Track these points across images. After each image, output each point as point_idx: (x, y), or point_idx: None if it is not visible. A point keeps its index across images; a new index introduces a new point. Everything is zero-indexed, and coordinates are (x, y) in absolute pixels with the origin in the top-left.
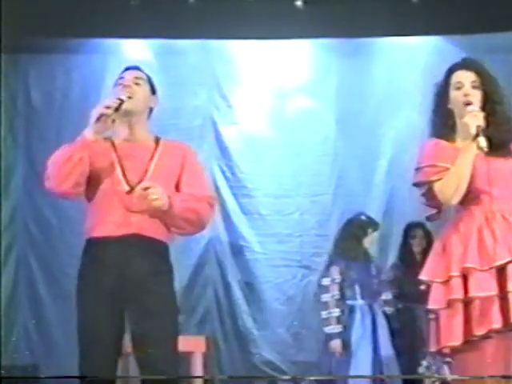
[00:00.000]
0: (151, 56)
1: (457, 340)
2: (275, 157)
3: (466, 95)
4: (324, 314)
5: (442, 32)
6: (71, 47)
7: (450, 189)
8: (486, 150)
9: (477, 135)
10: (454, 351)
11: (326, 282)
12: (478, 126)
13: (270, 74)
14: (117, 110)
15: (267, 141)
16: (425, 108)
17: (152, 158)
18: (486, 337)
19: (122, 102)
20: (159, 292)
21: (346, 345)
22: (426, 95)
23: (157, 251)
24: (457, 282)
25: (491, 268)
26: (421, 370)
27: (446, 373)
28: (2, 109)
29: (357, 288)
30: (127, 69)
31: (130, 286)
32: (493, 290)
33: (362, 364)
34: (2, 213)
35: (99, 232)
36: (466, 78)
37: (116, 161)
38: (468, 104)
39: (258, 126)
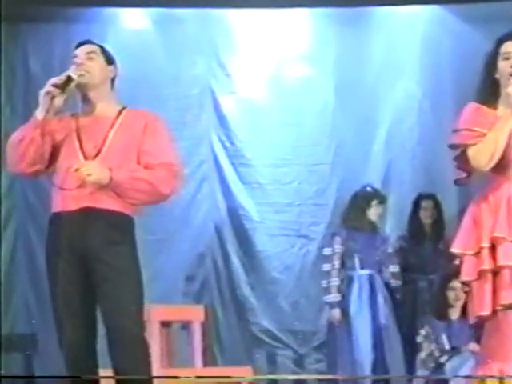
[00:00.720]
0: (150, 25)
1: (486, 310)
2: (273, 126)
3: None
4: (324, 283)
5: (440, 1)
6: (70, 16)
7: (484, 155)
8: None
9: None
10: (484, 321)
11: (327, 251)
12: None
13: (268, 43)
14: (64, 87)
15: (265, 110)
16: (423, 78)
17: (111, 128)
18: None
19: (69, 78)
20: (117, 263)
21: (345, 314)
22: (424, 64)
23: (113, 222)
24: (486, 253)
25: None
26: (419, 338)
27: (445, 342)
28: (2, 78)
29: (356, 258)
30: (79, 45)
31: (88, 258)
32: None
33: (360, 332)
34: (0, 182)
35: (58, 207)
36: None
37: (75, 135)
38: None
39: (257, 95)
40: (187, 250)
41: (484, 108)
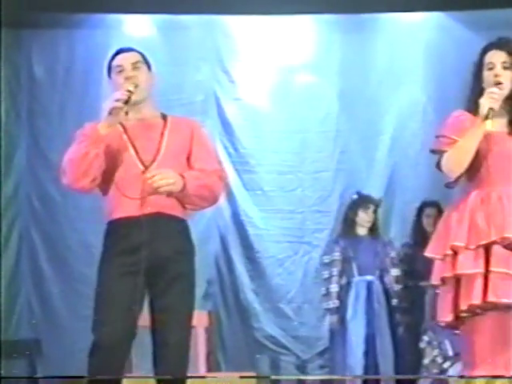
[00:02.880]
0: (154, 31)
1: (448, 316)
2: (277, 133)
3: (496, 75)
4: (323, 290)
5: (444, 8)
6: (74, 22)
7: (452, 162)
8: (490, 131)
9: (486, 117)
10: (457, 325)
11: (326, 259)
12: (490, 109)
13: (272, 50)
14: (127, 102)
15: (270, 116)
16: (427, 84)
17: (162, 135)
18: (471, 313)
19: (131, 93)
20: (182, 270)
21: (342, 320)
22: (428, 71)
23: (178, 229)
24: (449, 260)
25: (478, 247)
26: (422, 344)
27: (448, 348)
28: (2, 84)
29: (354, 265)
30: (120, 52)
31: (154, 264)
32: (478, 268)
33: (354, 338)
34: (5, 188)
35: (120, 213)
36: (497, 58)
37: (128, 143)
38: (498, 84)
39: (261, 101)
40: None
41: (466, 115)
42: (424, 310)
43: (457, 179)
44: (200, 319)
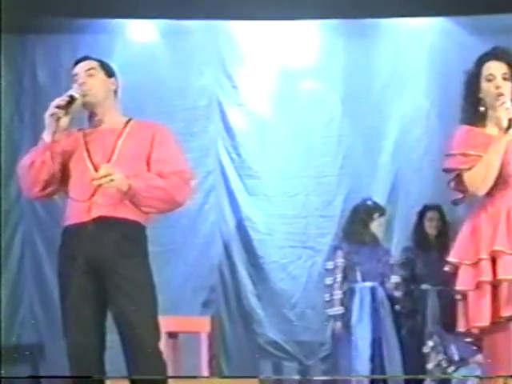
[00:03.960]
0: (157, 36)
1: (484, 321)
2: (281, 138)
3: (497, 87)
4: (327, 296)
5: (448, 13)
6: (78, 27)
7: (480, 180)
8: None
9: (508, 127)
10: (483, 332)
11: (329, 265)
12: (510, 120)
13: (275, 55)
14: (68, 107)
15: (273, 122)
16: (430, 89)
17: (118, 139)
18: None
19: (72, 98)
20: (131, 276)
21: (347, 326)
22: (432, 76)
23: (127, 233)
24: (486, 265)
25: None
26: (425, 349)
27: (454, 352)
28: (3, 88)
29: (358, 271)
30: (77, 61)
31: (102, 270)
32: None
33: (361, 343)
34: (8, 192)
35: (70, 220)
36: (497, 69)
37: (83, 148)
38: (500, 95)
39: (264, 106)
40: (194, 261)
41: (475, 129)
42: (426, 314)
43: (465, 196)
44: (203, 324)
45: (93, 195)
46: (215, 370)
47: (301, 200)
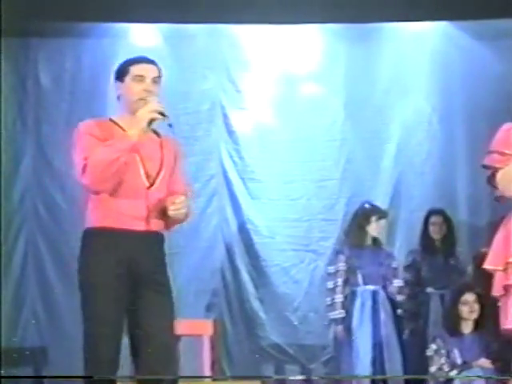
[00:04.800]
0: (160, 40)
1: (511, 323)
2: (283, 141)
3: None
4: (328, 300)
5: (450, 17)
6: (80, 31)
7: (508, 180)
8: None
9: None
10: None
11: (331, 269)
12: None
13: (278, 59)
14: (163, 115)
15: (275, 125)
16: (432, 93)
17: (162, 153)
18: None
19: (163, 115)
20: (164, 281)
21: (348, 329)
22: (433, 80)
23: (160, 244)
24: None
25: None
26: (429, 352)
27: (457, 356)
28: (8, 92)
29: (359, 274)
30: (143, 61)
31: (141, 277)
32: None
33: (361, 347)
34: (11, 195)
35: (118, 224)
36: None
37: (137, 156)
38: None
39: (266, 110)
40: (197, 265)
41: None
42: (429, 317)
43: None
44: (205, 327)
45: (148, 210)
46: (218, 373)
47: (303, 204)
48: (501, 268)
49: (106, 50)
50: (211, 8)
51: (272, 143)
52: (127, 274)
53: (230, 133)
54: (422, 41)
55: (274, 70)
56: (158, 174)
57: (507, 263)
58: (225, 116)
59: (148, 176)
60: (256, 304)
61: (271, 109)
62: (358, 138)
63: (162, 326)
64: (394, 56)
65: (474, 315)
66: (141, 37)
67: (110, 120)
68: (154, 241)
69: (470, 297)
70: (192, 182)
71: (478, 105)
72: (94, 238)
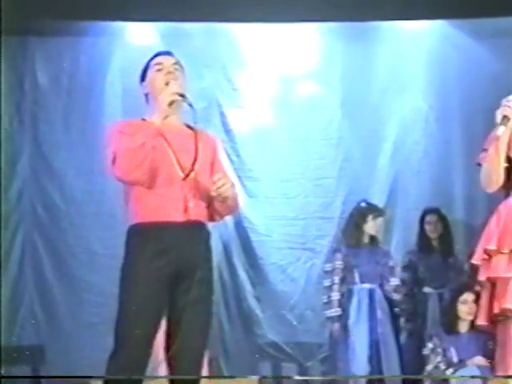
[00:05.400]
0: (157, 39)
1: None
2: (280, 140)
3: None
4: (325, 298)
5: (446, 16)
6: (78, 30)
7: (483, 177)
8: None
9: (500, 125)
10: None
11: (328, 267)
12: (504, 116)
13: (275, 58)
14: (183, 96)
15: (272, 124)
16: (428, 92)
17: (197, 145)
18: (504, 316)
19: (182, 89)
20: (204, 276)
21: (344, 327)
22: (430, 79)
23: (205, 236)
24: (485, 264)
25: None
26: (426, 351)
27: (453, 355)
28: (6, 91)
29: (356, 273)
30: (159, 54)
31: (183, 270)
32: (511, 272)
33: (358, 345)
34: (8, 195)
35: (158, 217)
36: None
37: (168, 147)
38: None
39: (263, 109)
40: None
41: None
42: (427, 316)
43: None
44: None
45: (186, 200)
46: (215, 371)
47: (300, 202)
48: (479, 263)
49: (103, 49)
50: (208, 6)
51: (269, 142)
52: (168, 266)
53: (227, 131)
54: (418, 39)
55: (271, 68)
56: (193, 164)
57: (483, 259)
58: (222, 114)
59: (182, 167)
60: (253, 302)
61: (268, 107)
62: (354, 137)
63: (195, 329)
64: (391, 55)
65: (472, 316)
66: (138, 35)
67: (142, 119)
68: (194, 233)
69: (469, 296)
70: None
71: (475, 104)
72: (135, 233)
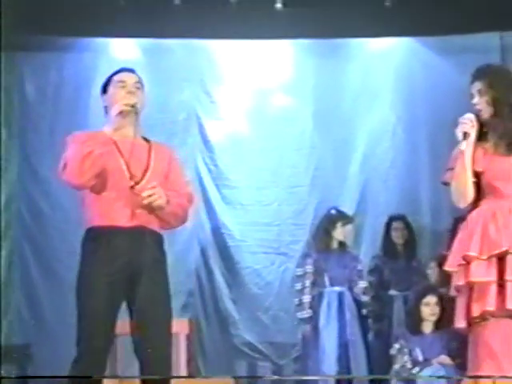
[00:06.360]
0: (139, 54)
1: (461, 323)
2: (255, 150)
3: (475, 105)
4: (296, 300)
5: (414, 33)
6: (63, 46)
7: (454, 194)
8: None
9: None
10: (470, 331)
11: (299, 271)
12: (465, 133)
13: (251, 72)
14: (133, 106)
15: (248, 135)
16: (396, 105)
17: (149, 156)
18: (483, 319)
19: (135, 102)
20: (159, 279)
21: (315, 328)
22: (398, 93)
23: (157, 242)
24: (462, 270)
25: (491, 257)
26: (392, 351)
27: (418, 354)
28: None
29: (326, 276)
30: (123, 70)
31: (134, 273)
32: (490, 277)
33: (327, 346)
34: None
35: (106, 222)
36: (475, 87)
37: (119, 156)
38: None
39: (240, 120)
40: (172, 267)
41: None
42: (392, 318)
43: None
44: (181, 326)
45: (134, 206)
46: (193, 370)
47: (274, 209)
48: (455, 270)
49: (88, 64)
50: (187, 24)
51: (245, 151)
52: (120, 270)
53: (205, 142)
54: (387, 55)
55: (247, 82)
56: (143, 174)
57: (459, 265)
58: (200, 126)
59: (132, 175)
60: (229, 304)
61: (244, 119)
62: (326, 147)
63: (156, 329)
64: (361, 70)
65: (435, 317)
66: (121, 51)
67: (100, 132)
68: (143, 238)
69: (431, 299)
70: None
71: (441, 116)
72: (88, 238)
